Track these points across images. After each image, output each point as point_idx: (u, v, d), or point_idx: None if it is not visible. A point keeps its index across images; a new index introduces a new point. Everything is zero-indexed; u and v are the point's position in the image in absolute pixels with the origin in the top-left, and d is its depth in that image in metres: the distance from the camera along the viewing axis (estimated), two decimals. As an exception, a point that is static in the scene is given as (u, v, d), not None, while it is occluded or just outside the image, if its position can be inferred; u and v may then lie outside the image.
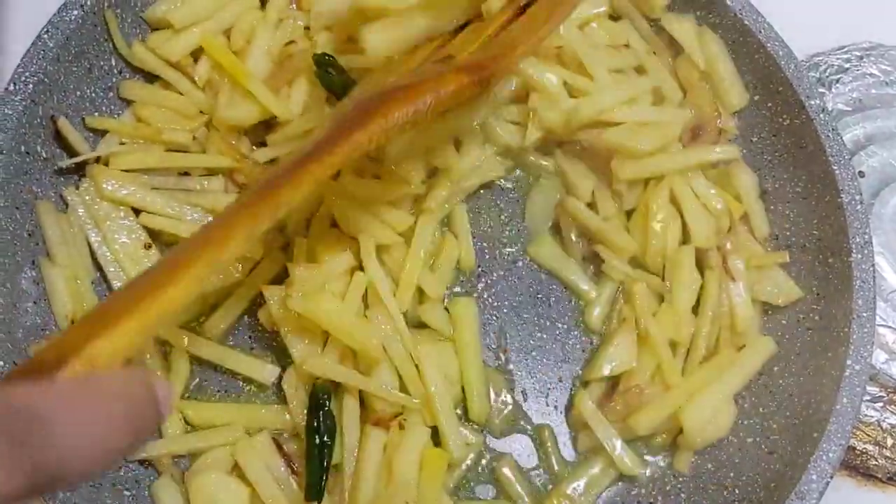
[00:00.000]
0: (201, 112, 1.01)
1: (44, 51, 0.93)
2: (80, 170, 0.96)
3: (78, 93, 0.98)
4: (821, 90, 1.23)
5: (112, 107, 1.02)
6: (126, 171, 0.96)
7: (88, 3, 0.95)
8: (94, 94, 1.00)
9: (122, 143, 0.99)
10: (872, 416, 1.05)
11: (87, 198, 0.95)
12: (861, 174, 1.18)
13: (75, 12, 0.95)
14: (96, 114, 1.00)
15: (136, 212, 0.96)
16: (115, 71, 1.02)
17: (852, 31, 1.28)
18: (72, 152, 0.95)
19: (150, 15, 1.01)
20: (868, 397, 1.05)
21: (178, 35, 1.00)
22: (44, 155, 0.95)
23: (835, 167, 0.99)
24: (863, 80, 1.24)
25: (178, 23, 0.99)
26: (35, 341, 0.89)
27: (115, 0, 0.98)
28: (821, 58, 1.26)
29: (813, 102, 1.01)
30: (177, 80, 1.01)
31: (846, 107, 1.22)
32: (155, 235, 0.97)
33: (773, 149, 1.07)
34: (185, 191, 0.98)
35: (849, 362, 0.91)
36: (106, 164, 0.96)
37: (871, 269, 0.95)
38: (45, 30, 0.93)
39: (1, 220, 0.88)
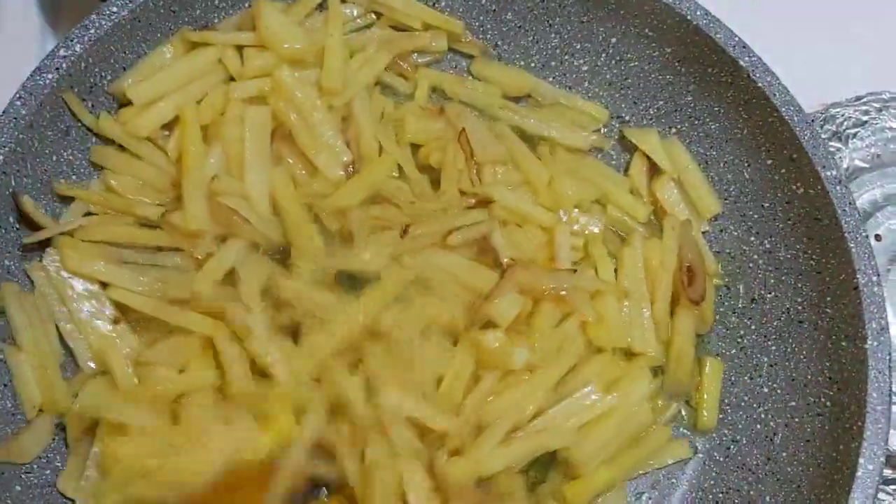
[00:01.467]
0: (173, 186, 0.96)
1: (16, 118, 0.88)
2: (45, 245, 0.91)
3: (54, 157, 0.94)
4: (837, 145, 1.17)
5: (91, 170, 0.97)
6: (93, 242, 0.91)
7: (64, 66, 0.90)
8: (71, 157, 0.96)
9: (87, 214, 0.94)
10: (885, 501, 1.00)
11: (51, 270, 0.90)
12: (878, 237, 1.12)
13: (49, 76, 0.90)
14: (74, 177, 0.96)
15: (105, 285, 0.92)
16: (95, 133, 0.97)
17: (871, 81, 1.21)
18: (36, 227, 0.91)
19: (114, 89, 0.96)
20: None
21: (147, 109, 0.95)
22: (16, 227, 0.90)
23: (851, 244, 0.93)
24: (882, 134, 1.18)
25: (137, 99, 0.94)
26: (4, 429, 0.85)
27: (81, 76, 0.93)
28: (837, 109, 1.20)
29: (829, 174, 0.96)
30: (148, 153, 0.96)
31: (863, 163, 1.16)
32: (124, 310, 0.92)
33: (786, 216, 1.01)
34: (156, 266, 0.93)
35: (861, 461, 0.86)
36: (71, 236, 0.91)
37: (888, 358, 0.89)
38: (18, 95, 0.88)
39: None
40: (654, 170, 1.08)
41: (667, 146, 1.08)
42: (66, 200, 0.95)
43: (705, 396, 1.02)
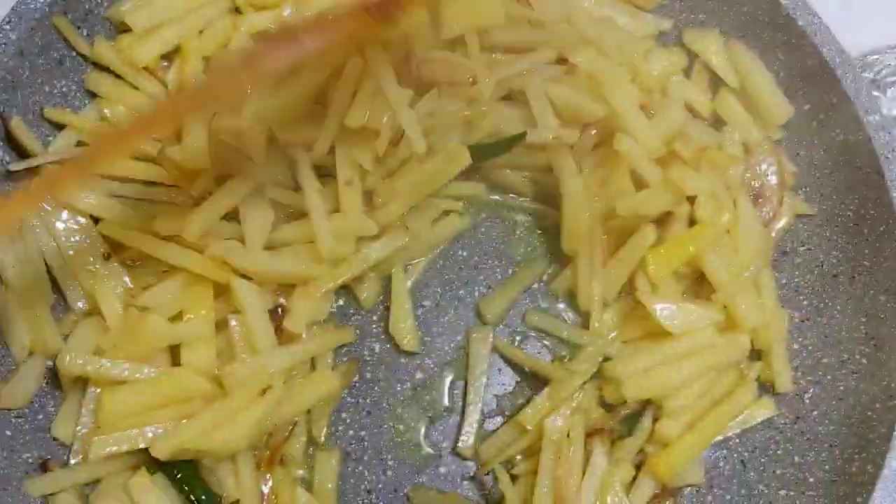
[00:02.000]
0: None
1: (5, 44, 0.82)
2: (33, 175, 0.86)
3: (47, 88, 0.88)
4: (875, 94, 1.11)
5: (86, 102, 0.92)
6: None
7: (57, -13, 0.84)
8: (65, 89, 0.90)
9: (79, 144, 0.89)
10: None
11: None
12: (915, 191, 1.06)
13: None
14: (68, 109, 0.90)
15: (96, 220, 0.87)
16: (91, 61, 0.91)
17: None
18: (26, 156, 0.85)
19: (112, 14, 0.90)
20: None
21: (147, 37, 0.89)
22: (6, 160, 0.85)
23: (894, 194, 0.88)
24: (922, 82, 1.12)
25: (136, 25, 0.88)
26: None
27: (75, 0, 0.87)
28: (875, 57, 1.14)
29: (872, 118, 0.90)
30: (145, 84, 0.90)
31: (903, 113, 1.10)
32: (116, 249, 0.87)
33: (824, 165, 0.95)
34: (150, 201, 0.87)
35: (901, 420, 0.81)
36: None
37: (930, 312, 0.84)
38: (7, 20, 0.83)
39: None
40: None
41: (730, 49, 0.98)
42: (58, 130, 0.89)
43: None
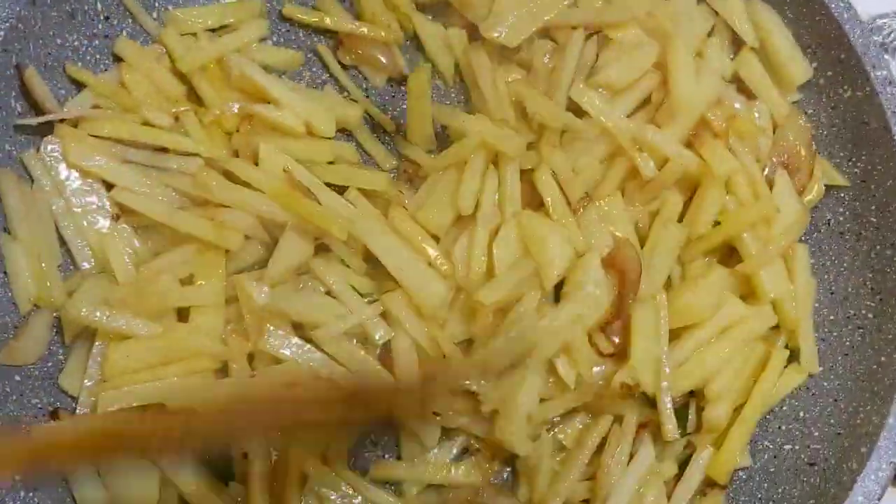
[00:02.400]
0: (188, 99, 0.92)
1: (17, -8, 0.83)
2: (45, 132, 0.87)
3: (58, 40, 0.89)
4: (884, 57, 1.10)
5: (97, 57, 0.92)
6: (97, 137, 0.87)
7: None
8: (76, 43, 0.91)
9: (94, 107, 0.89)
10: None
11: (49, 162, 0.86)
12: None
13: (53, -53, 0.84)
14: (79, 64, 0.91)
15: (106, 183, 0.88)
16: (102, 17, 0.92)
17: (921, -9, 1.15)
18: (39, 110, 0.86)
19: None
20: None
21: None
22: (18, 109, 0.86)
23: (901, 149, 0.88)
24: (931, 46, 1.12)
25: None
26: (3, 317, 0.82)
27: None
28: (885, 20, 1.13)
29: (879, 73, 0.90)
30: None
31: (911, 76, 1.10)
32: (125, 212, 0.87)
33: (831, 123, 0.95)
34: (160, 168, 0.88)
35: (906, 370, 0.81)
36: (75, 126, 0.87)
37: (937, 265, 0.84)
38: (20, -32, 0.83)
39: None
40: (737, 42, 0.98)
41: (750, 8, 0.96)
42: (73, 88, 0.90)
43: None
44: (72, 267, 0.88)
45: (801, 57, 0.95)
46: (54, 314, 0.86)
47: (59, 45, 0.89)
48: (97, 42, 0.92)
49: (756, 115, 0.95)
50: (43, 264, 0.84)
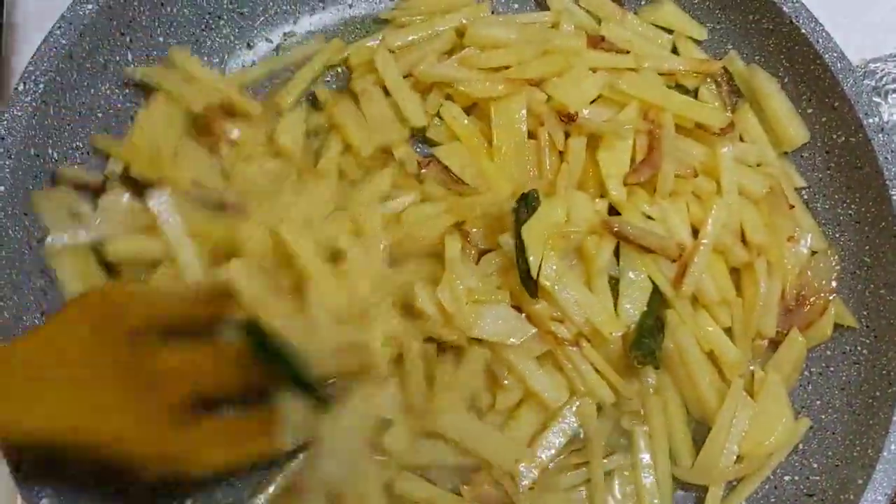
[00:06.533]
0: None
1: (56, 48, 0.88)
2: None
3: (92, 90, 0.94)
4: (876, 100, 1.15)
5: (130, 101, 0.97)
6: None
7: (102, -1, 0.90)
8: (108, 91, 0.95)
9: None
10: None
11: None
12: (916, 194, 1.10)
13: (90, 6, 0.89)
14: (111, 111, 0.96)
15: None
16: (133, 66, 0.97)
17: (913, 37, 1.20)
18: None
19: None
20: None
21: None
22: (55, 157, 0.90)
23: (892, 192, 0.92)
24: (923, 89, 1.16)
25: None
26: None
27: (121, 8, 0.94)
28: (877, 64, 1.18)
29: (871, 121, 0.94)
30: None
31: (903, 119, 1.15)
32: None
33: (826, 167, 1.00)
34: None
35: (899, 406, 0.85)
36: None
37: (928, 305, 0.89)
38: (58, 25, 0.88)
39: (8, 229, 0.84)
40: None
41: (748, 71, 1.03)
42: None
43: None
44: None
45: (799, 121, 1.01)
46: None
47: (93, 95, 0.94)
48: (128, 90, 0.97)
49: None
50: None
